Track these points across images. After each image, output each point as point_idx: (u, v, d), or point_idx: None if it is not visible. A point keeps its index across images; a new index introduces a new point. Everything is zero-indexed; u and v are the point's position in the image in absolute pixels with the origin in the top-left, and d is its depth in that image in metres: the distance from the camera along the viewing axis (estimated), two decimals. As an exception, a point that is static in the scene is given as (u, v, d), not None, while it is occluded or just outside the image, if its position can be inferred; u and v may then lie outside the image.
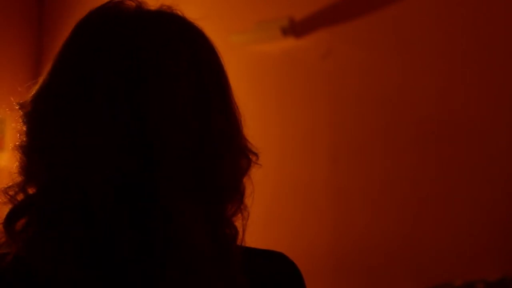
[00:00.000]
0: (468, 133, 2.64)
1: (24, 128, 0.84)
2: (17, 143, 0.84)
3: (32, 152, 0.83)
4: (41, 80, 0.86)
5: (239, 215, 0.89)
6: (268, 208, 2.94)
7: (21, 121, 0.85)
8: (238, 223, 0.89)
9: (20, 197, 0.83)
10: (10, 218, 0.82)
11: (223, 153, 0.85)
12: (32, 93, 0.85)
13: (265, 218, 2.91)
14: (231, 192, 0.87)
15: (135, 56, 0.83)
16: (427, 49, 2.74)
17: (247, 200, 0.90)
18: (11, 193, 0.83)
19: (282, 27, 2.95)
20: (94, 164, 0.79)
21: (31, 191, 0.83)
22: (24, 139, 0.84)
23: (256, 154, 0.91)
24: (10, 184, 0.84)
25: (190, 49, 0.87)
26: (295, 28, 2.97)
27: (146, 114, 0.81)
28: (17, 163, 0.84)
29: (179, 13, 0.90)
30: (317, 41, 2.95)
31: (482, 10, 2.65)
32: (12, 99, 0.88)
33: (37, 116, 0.84)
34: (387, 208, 2.75)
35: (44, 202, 0.81)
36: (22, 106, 0.85)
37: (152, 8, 0.89)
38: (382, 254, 2.73)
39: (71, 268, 0.77)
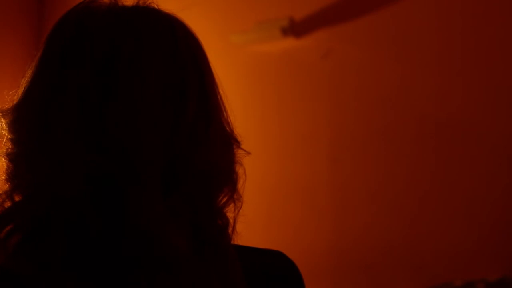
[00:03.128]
0: (467, 133, 2.64)
1: (9, 136, 0.85)
2: (3, 150, 0.85)
3: (16, 160, 0.84)
4: (20, 88, 0.86)
5: (232, 205, 0.88)
6: (268, 208, 2.94)
7: (6, 128, 0.86)
8: (231, 214, 0.88)
9: (7, 204, 0.83)
10: None
11: (199, 141, 0.84)
12: (13, 101, 0.86)
13: (265, 217, 2.91)
14: (217, 181, 0.86)
15: (105, 54, 0.83)
16: (427, 49, 2.74)
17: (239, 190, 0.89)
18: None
19: (282, 27, 2.95)
20: (68, 168, 0.80)
21: (17, 198, 0.83)
22: (10, 146, 0.85)
23: (238, 142, 0.90)
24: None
25: (165, 40, 0.86)
26: (295, 28, 2.97)
27: (116, 109, 0.81)
28: (4, 171, 0.85)
29: (155, 6, 0.90)
30: (317, 41, 2.95)
31: (482, 10, 2.65)
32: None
33: (18, 124, 0.85)
34: (387, 208, 2.75)
35: (27, 209, 0.81)
36: (4, 114, 0.86)
37: (127, 4, 0.89)
38: (382, 254, 2.73)
39: (53, 272, 0.78)
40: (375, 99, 2.82)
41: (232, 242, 0.88)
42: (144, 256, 0.79)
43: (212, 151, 0.85)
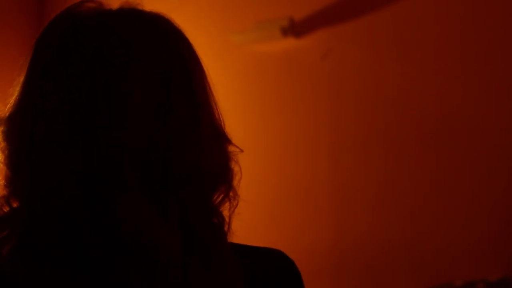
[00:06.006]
0: (468, 133, 2.64)
1: (3, 145, 0.87)
2: (1, 157, 0.87)
3: (12, 167, 0.86)
4: (12, 97, 0.88)
5: (227, 203, 0.89)
6: (269, 208, 2.94)
7: (0, 137, 0.88)
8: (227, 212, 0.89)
9: (5, 209, 0.85)
10: None
11: (187, 141, 0.84)
12: (6, 111, 0.87)
13: (266, 217, 2.91)
14: (209, 179, 0.87)
15: (91, 59, 0.83)
16: (426, 49, 2.74)
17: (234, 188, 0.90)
18: None
19: (282, 27, 2.95)
20: (56, 175, 0.81)
21: (15, 204, 0.85)
22: (6, 154, 0.87)
23: (228, 140, 0.90)
24: None
25: (149, 41, 0.86)
26: (295, 28, 2.97)
27: (101, 114, 0.82)
28: (3, 177, 0.87)
29: (140, 8, 0.90)
30: (317, 41, 2.95)
31: (482, 10, 2.65)
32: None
33: (10, 133, 0.86)
34: (388, 208, 2.75)
35: (21, 215, 0.83)
36: None
37: (114, 6, 0.89)
38: (382, 254, 2.73)
39: (46, 275, 0.79)
40: (375, 99, 2.82)
41: (229, 240, 0.88)
42: (134, 258, 0.79)
43: (201, 150, 0.86)
